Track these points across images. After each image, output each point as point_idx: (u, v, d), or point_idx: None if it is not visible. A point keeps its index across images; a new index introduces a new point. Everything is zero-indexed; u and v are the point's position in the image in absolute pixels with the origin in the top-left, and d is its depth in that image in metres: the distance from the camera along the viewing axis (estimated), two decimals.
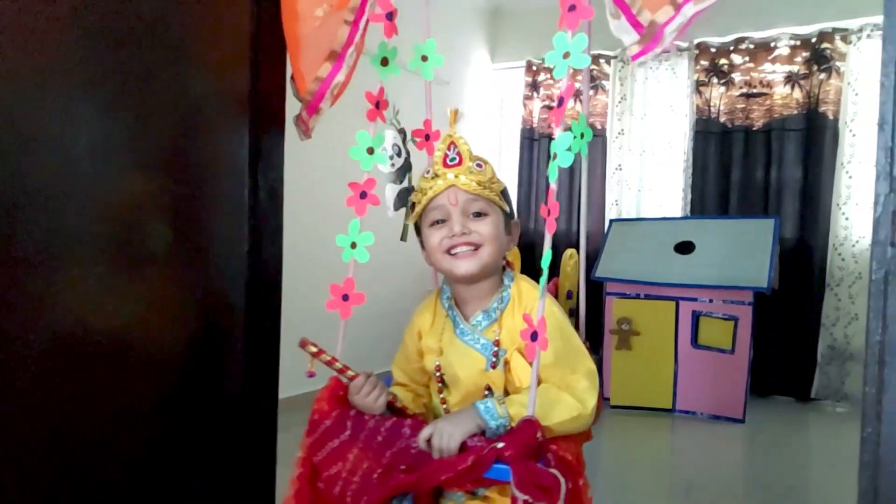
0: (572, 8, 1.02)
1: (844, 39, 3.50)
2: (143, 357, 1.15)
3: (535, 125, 4.38)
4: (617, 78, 4.16)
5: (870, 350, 0.68)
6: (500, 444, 0.94)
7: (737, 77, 3.76)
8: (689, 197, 3.90)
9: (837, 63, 3.49)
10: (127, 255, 1.12)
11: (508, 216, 1.19)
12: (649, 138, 4.07)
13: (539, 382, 1.04)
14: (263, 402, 1.35)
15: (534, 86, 4.39)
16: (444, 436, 0.99)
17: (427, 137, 1.38)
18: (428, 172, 1.18)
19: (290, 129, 1.36)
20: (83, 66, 1.03)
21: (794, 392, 3.56)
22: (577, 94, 4.34)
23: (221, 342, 1.28)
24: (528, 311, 1.07)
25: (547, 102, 4.34)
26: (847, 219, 3.54)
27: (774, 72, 3.66)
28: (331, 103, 1.28)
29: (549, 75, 4.34)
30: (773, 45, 3.66)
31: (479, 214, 1.14)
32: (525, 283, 1.19)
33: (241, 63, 1.25)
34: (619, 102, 4.17)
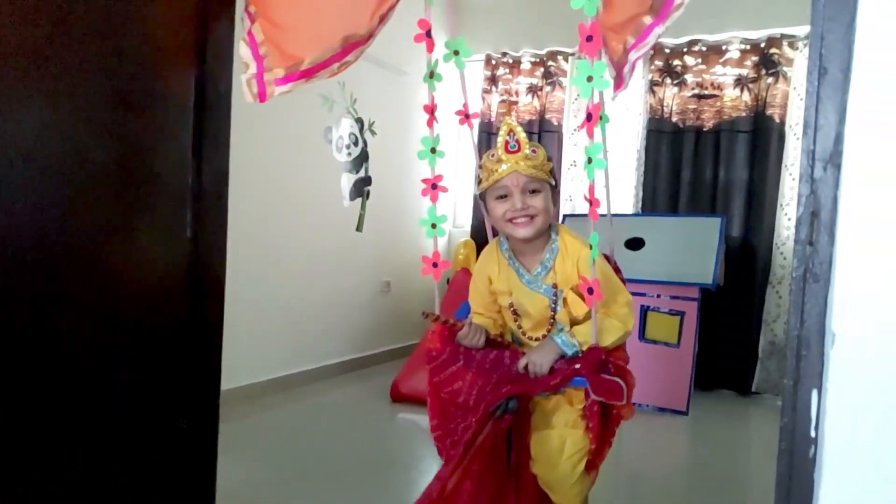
0: (590, 38, 1.24)
1: (791, 45, 3.61)
2: (77, 339, 1.12)
3: (493, 119, 4.40)
4: (572, 76, 4.21)
5: (789, 344, 0.71)
6: (578, 366, 1.35)
7: (689, 78, 3.85)
8: (641, 194, 3.98)
9: (784, 68, 3.60)
10: (64, 238, 1.08)
11: (555, 187, 1.51)
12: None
13: (590, 313, 1.40)
14: (205, 393, 1.33)
15: (492, 80, 4.41)
16: (538, 364, 1.38)
17: (467, 116, 1.71)
18: (493, 156, 1.48)
19: (238, 115, 1.34)
20: (19, 44, 0.99)
21: (736, 386, 3.68)
22: (533, 90, 4.37)
23: (161, 330, 1.26)
24: (575, 258, 1.45)
25: (505, 97, 4.37)
26: (790, 219, 3.66)
27: (725, 74, 3.76)
28: (329, 75, 1.42)
29: (507, 70, 4.36)
30: (724, 48, 3.76)
31: (534, 191, 1.44)
32: (568, 235, 1.52)
33: (187, 44, 1.23)
34: (576, 99, 4.23)
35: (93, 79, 1.10)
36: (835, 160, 0.67)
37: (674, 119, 3.87)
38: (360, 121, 3.71)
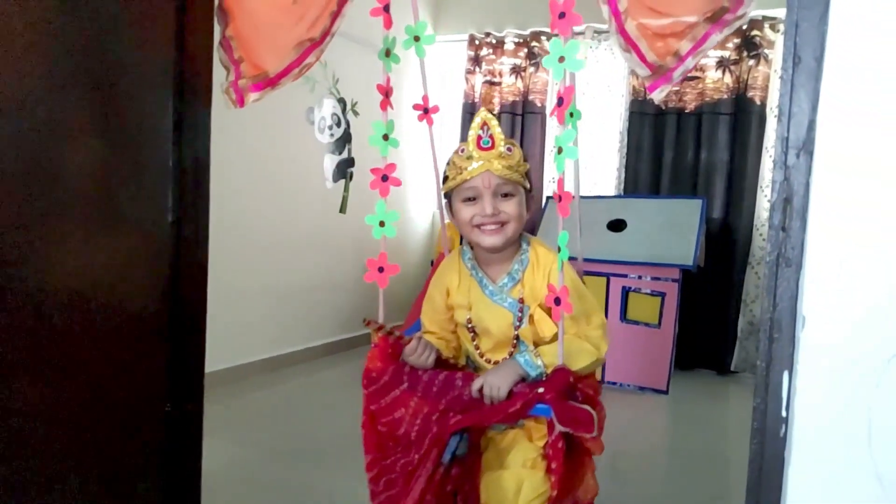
0: (562, 15, 1.10)
1: (773, 27, 3.63)
2: (59, 327, 1.12)
3: (476, 100, 4.39)
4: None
5: (762, 327, 0.73)
6: (541, 390, 1.16)
7: None
8: (623, 176, 4.01)
9: (766, 50, 3.62)
10: (43, 222, 1.08)
11: (529, 191, 1.36)
12: (587, 117, 4.14)
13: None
14: (189, 376, 1.34)
15: (476, 60, 4.39)
16: (494, 387, 1.20)
17: (426, 111, 1.49)
18: (462, 151, 1.32)
19: (219, 96, 1.33)
20: None
21: (716, 365, 3.74)
22: (516, 71, 4.36)
23: (144, 314, 1.26)
24: (546, 271, 1.31)
25: (489, 78, 4.35)
26: (769, 201, 3.70)
27: (707, 56, 3.76)
28: (293, 80, 1.35)
29: (491, 50, 4.34)
30: None
31: (506, 195, 1.30)
32: (541, 246, 1.38)
33: (166, 27, 1.21)
34: (558, 82, 4.22)
35: (72, 61, 1.08)
36: (807, 147, 0.69)
37: (656, 101, 3.88)
38: (342, 101, 3.68)
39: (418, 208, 4.50)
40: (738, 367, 3.73)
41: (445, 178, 1.37)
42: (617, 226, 3.45)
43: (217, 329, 1.45)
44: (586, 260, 3.28)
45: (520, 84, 4.28)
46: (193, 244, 1.27)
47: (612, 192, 4.03)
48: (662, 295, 3.22)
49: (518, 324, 1.32)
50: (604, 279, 3.30)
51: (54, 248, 1.11)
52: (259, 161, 3.21)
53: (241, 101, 1.33)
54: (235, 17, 1.32)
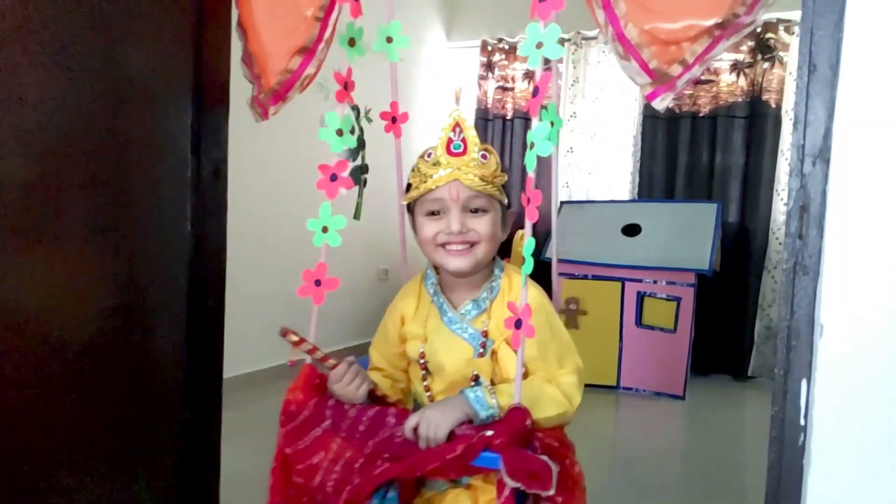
0: None
1: (788, 30, 3.61)
2: (79, 333, 1.14)
3: (489, 105, 4.39)
4: (570, 61, 4.20)
5: (780, 335, 0.73)
6: (490, 433, 0.93)
7: None
8: (637, 180, 3.99)
9: (780, 53, 3.60)
10: (65, 230, 1.10)
11: (504, 206, 1.16)
12: (600, 122, 4.13)
13: (526, 375, 1.06)
14: (207, 381, 1.35)
15: (489, 66, 4.40)
16: (433, 424, 0.96)
17: (394, 120, 1.37)
18: (429, 156, 1.13)
19: (239, 109, 1.35)
20: (19, 36, 1.00)
21: (732, 370, 3.71)
22: (529, 76, 4.36)
23: (163, 320, 1.28)
24: (517, 301, 1.04)
25: (501, 83, 4.36)
26: (786, 204, 3.68)
27: (721, 59, 3.75)
28: (299, 92, 1.34)
29: (503, 56, 4.35)
30: None
31: (477, 210, 1.11)
32: (515, 274, 1.16)
33: (184, 38, 1.23)
34: (572, 85, 4.22)
35: (92, 74, 1.10)
36: (824, 155, 0.69)
37: (670, 104, 3.87)
38: (356, 108, 3.70)
39: None
40: (755, 373, 3.70)
41: (409, 188, 1.18)
42: (631, 230, 3.44)
43: (233, 335, 1.46)
44: (600, 264, 3.30)
45: (532, 89, 4.27)
46: (212, 252, 1.29)
47: (627, 197, 4.02)
48: (678, 300, 3.20)
49: (479, 359, 1.10)
50: (619, 284, 3.29)
51: (70, 254, 1.13)
52: (274, 169, 3.23)
53: (265, 114, 1.34)
54: (248, 33, 1.33)
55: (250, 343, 3.14)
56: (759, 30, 3.63)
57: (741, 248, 3.67)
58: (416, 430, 0.98)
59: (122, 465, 1.23)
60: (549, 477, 0.91)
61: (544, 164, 3.96)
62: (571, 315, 3.34)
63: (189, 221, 1.24)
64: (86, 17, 1.08)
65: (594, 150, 4.16)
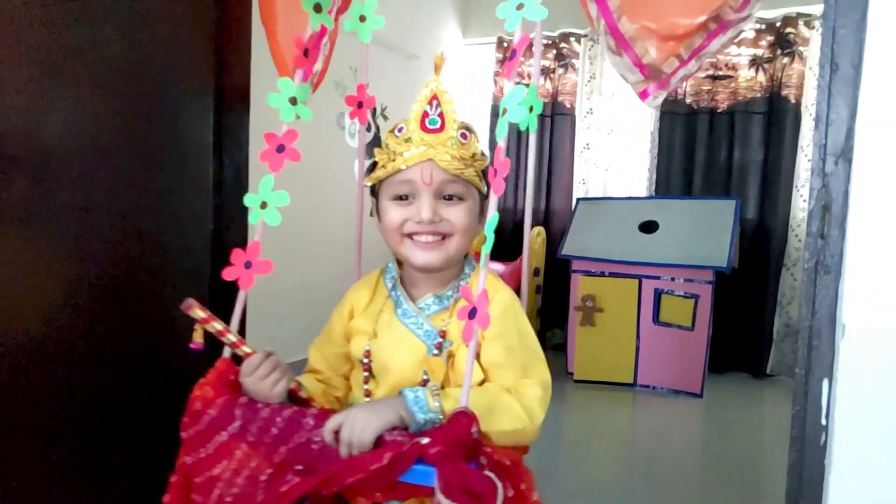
0: None
1: (808, 24, 3.56)
2: (103, 338, 1.16)
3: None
4: (587, 57, 4.18)
5: (801, 334, 0.72)
6: (426, 440, 0.76)
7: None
8: (654, 177, 3.97)
9: (800, 48, 3.56)
10: (89, 228, 1.12)
11: (483, 195, 1.01)
12: (617, 118, 4.12)
13: (484, 383, 0.92)
14: None
15: (504, 62, 4.39)
16: (357, 426, 0.80)
17: (360, 105, 1.22)
18: (400, 131, 0.98)
19: (257, 109, 1.36)
20: (45, 44, 1.02)
21: (751, 368, 3.68)
22: (546, 72, 4.35)
23: (186, 323, 1.29)
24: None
25: (517, 80, 4.35)
26: (805, 201, 3.64)
27: (740, 55, 3.72)
28: (311, 91, 1.31)
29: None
30: None
31: (452, 198, 0.96)
32: (490, 276, 0.96)
33: (205, 41, 1.25)
34: (589, 81, 4.20)
35: (117, 77, 1.12)
36: (846, 155, 0.68)
37: (688, 101, 3.85)
38: (373, 110, 3.73)
39: None
40: (773, 371, 3.67)
41: (374, 167, 1.02)
42: (649, 227, 3.42)
43: (254, 331, 1.47)
44: (617, 262, 3.29)
45: (548, 86, 4.27)
46: (233, 249, 1.30)
47: (644, 194, 4.00)
48: (696, 297, 3.18)
49: (432, 357, 0.94)
50: (636, 281, 3.28)
51: (96, 252, 1.15)
52: (292, 167, 3.26)
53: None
54: (268, 31, 1.34)
55: (271, 343, 3.17)
56: (778, 24, 3.59)
57: (760, 244, 3.64)
58: (338, 433, 0.82)
59: (145, 461, 1.25)
60: (493, 497, 0.74)
61: (563, 162, 3.91)
62: (588, 312, 3.33)
63: (211, 222, 1.26)
64: (111, 20, 1.09)
65: (611, 147, 4.14)
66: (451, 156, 0.94)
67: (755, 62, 3.66)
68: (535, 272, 3.66)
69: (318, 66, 1.26)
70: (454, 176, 0.94)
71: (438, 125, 0.94)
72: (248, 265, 1.02)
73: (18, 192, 1.00)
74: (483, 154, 1.00)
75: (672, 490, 2.18)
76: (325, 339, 1.08)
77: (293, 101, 1.08)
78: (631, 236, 3.39)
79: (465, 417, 0.77)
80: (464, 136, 0.96)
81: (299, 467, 0.82)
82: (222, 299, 1.32)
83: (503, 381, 0.92)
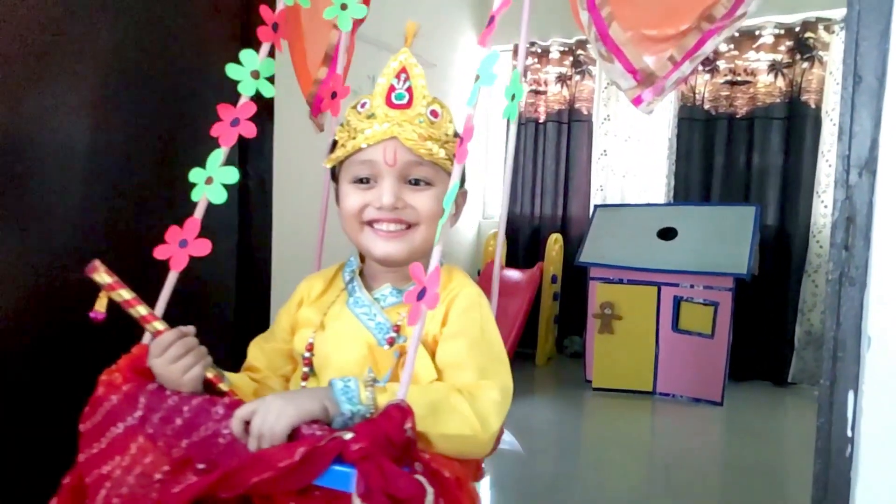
0: None
1: (827, 29, 3.54)
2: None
3: (521, 109, 4.40)
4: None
5: (826, 345, 0.72)
6: (349, 435, 0.64)
7: (721, 65, 3.80)
8: (673, 183, 3.95)
9: (820, 52, 3.53)
10: (121, 242, 1.14)
11: (456, 185, 0.87)
12: (634, 124, 4.11)
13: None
14: None
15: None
16: (270, 415, 0.67)
17: (334, 95, 1.14)
18: (363, 106, 0.88)
19: (280, 121, 1.38)
20: (76, 64, 1.04)
21: (772, 376, 3.65)
22: (563, 79, 4.35)
23: (210, 331, 1.31)
24: (449, 299, 0.85)
25: (534, 87, 4.36)
26: (826, 207, 3.61)
27: (758, 60, 3.70)
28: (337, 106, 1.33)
29: (536, 59, 4.35)
30: (757, 33, 3.70)
31: (419, 182, 0.87)
32: (458, 272, 0.94)
33: (231, 55, 1.27)
34: (606, 88, 4.20)
35: (146, 93, 1.15)
36: (870, 166, 0.68)
37: (706, 106, 3.83)
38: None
39: (464, 213, 4.51)
40: (795, 379, 3.63)
41: (334, 146, 0.93)
42: (667, 234, 3.41)
43: None
44: (636, 269, 3.28)
45: (565, 92, 4.27)
46: (258, 260, 1.32)
47: (662, 200, 3.98)
48: (716, 304, 3.16)
49: (380, 349, 0.84)
50: (654, 288, 3.26)
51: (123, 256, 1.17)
52: (313, 173, 3.29)
53: (320, 128, 1.36)
54: (291, 44, 1.36)
55: None
56: (797, 29, 3.57)
57: (780, 251, 3.61)
58: (246, 425, 0.70)
59: None
60: (420, 500, 0.63)
61: (580, 168, 3.90)
62: (607, 320, 3.32)
63: (236, 231, 1.27)
64: (144, 38, 1.12)
65: (628, 153, 4.13)
66: (419, 134, 0.84)
67: (774, 67, 3.64)
68: (553, 279, 3.66)
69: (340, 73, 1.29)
70: (420, 157, 0.85)
71: (406, 100, 0.85)
72: (183, 244, 0.92)
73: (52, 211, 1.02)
74: (458, 135, 0.87)
75: (692, 500, 2.16)
76: (268, 335, 0.98)
77: (255, 74, 1.00)
78: (649, 243, 3.37)
79: (398, 411, 0.65)
80: (434, 113, 0.87)
81: (201, 465, 0.70)
82: (250, 309, 1.34)
83: (457, 381, 0.81)
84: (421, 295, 0.69)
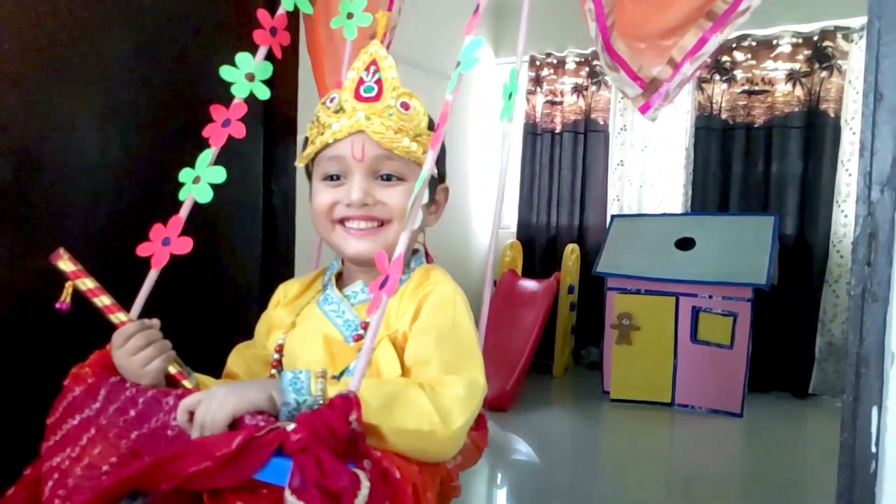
0: None
1: (846, 38, 3.52)
2: None
3: (537, 120, 4.41)
4: None
5: (848, 361, 0.73)
6: (291, 426, 0.61)
7: (739, 74, 3.79)
8: (690, 193, 3.94)
9: (839, 61, 3.52)
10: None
11: (435, 180, 0.90)
12: (651, 134, 4.11)
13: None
14: None
15: (537, 81, 4.42)
16: (214, 404, 0.66)
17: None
18: (332, 101, 0.85)
19: (301, 136, 1.41)
20: (104, 85, 1.07)
21: (792, 387, 3.61)
22: (579, 90, 4.36)
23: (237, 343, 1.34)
24: (421, 295, 0.82)
25: (550, 98, 4.37)
26: (846, 216, 3.58)
27: (776, 69, 3.69)
28: None
29: (552, 70, 4.36)
30: (775, 42, 3.69)
31: (390, 178, 0.85)
32: (436, 270, 0.91)
33: None
34: (622, 98, 4.20)
35: (171, 114, 1.18)
36: (892, 183, 0.69)
37: (723, 116, 3.82)
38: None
39: (480, 220, 4.51)
40: (816, 390, 3.59)
41: (306, 143, 0.90)
42: (685, 244, 3.40)
43: None
44: (654, 279, 3.27)
45: (581, 103, 4.28)
46: (282, 275, 1.34)
47: (679, 210, 3.97)
48: (734, 315, 3.14)
49: (349, 344, 0.82)
50: (672, 299, 3.25)
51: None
52: None
53: None
54: (313, 62, 1.39)
55: None
56: (815, 38, 3.56)
57: (800, 261, 3.58)
58: (191, 416, 0.69)
59: None
60: (352, 497, 0.58)
61: (596, 178, 3.91)
62: (625, 331, 3.31)
63: (260, 248, 1.30)
64: (170, 54, 1.15)
65: (645, 163, 4.12)
66: (388, 127, 0.82)
67: (792, 76, 3.63)
68: (570, 289, 3.65)
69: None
70: (389, 151, 0.82)
71: (374, 93, 0.83)
72: (165, 242, 0.90)
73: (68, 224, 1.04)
74: (431, 124, 0.87)
75: None
76: (250, 342, 0.96)
77: (250, 77, 1.00)
78: (667, 253, 3.36)
79: (342, 401, 0.61)
80: (405, 105, 0.85)
81: (147, 458, 0.67)
82: None
83: (416, 372, 0.78)
84: (384, 284, 0.67)
